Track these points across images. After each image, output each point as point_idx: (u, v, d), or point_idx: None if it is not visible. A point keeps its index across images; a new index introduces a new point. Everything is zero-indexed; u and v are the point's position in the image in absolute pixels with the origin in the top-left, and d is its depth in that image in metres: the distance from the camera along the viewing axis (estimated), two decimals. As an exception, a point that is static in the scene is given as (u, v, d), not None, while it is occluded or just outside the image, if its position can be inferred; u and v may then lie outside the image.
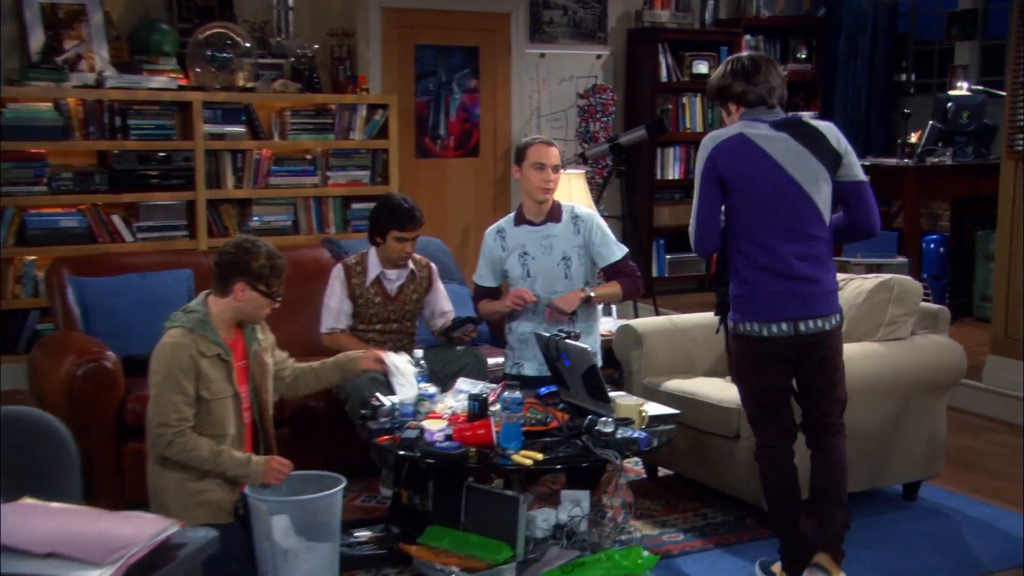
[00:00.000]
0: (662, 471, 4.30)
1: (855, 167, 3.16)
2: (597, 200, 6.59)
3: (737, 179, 3.07)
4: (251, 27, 5.94)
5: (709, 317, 3.69)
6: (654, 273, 7.49)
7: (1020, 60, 5.22)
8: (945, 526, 3.84)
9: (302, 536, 3.02)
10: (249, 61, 5.68)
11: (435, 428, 3.31)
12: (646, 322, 4.34)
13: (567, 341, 3.58)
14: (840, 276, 3.97)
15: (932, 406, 4.01)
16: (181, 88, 5.52)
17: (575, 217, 4.13)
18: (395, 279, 4.21)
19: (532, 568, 3.20)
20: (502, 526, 3.21)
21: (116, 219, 5.38)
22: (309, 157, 5.81)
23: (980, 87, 7.05)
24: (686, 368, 4.16)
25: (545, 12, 7.22)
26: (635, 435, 3.28)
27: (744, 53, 3.28)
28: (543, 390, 3.77)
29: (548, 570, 3.19)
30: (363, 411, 3.60)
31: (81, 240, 5.25)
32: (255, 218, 5.69)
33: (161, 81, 5.48)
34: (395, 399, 3.59)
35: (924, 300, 4.12)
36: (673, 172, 7.60)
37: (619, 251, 4.13)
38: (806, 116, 3.33)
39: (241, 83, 5.64)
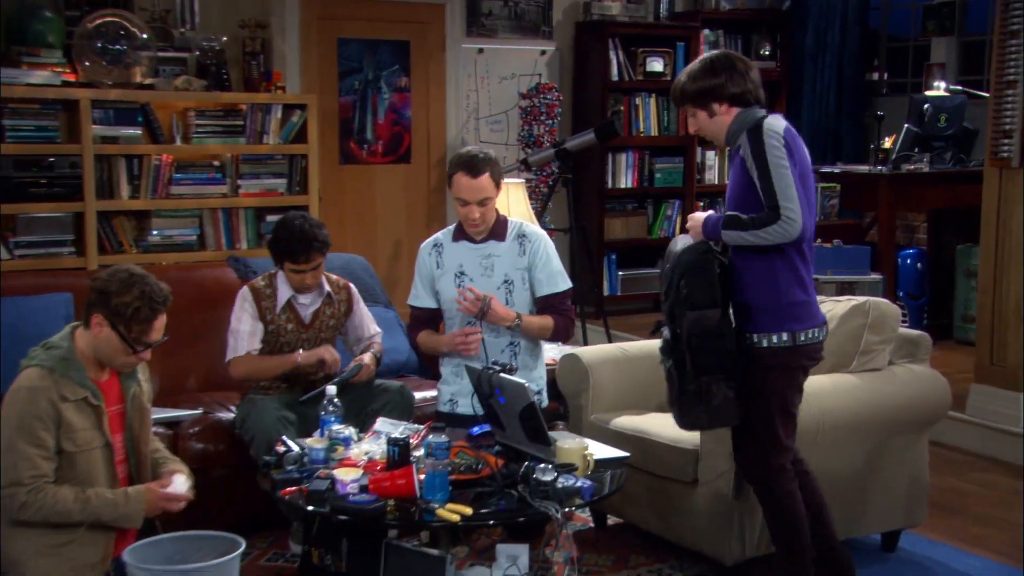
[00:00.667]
0: (612, 519, 4.21)
1: None
2: (541, 211, 6.62)
3: (804, 173, 3.23)
4: (150, 16, 5.86)
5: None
6: (605, 291, 7.44)
7: (1004, 57, 5.19)
8: (929, 581, 3.79)
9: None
10: (147, 54, 5.57)
11: (348, 478, 3.17)
12: (593, 351, 4.27)
13: (502, 375, 3.46)
14: None
15: (913, 445, 3.97)
16: (67, 84, 5.40)
17: (522, 236, 4.04)
18: (309, 303, 4.10)
19: (461, 638, 3.07)
20: (426, 589, 3.10)
21: (-11, 234, 5.23)
22: (216, 164, 5.71)
23: (959, 87, 7.11)
24: (639, 403, 4.10)
25: (484, 3, 7.24)
26: (578, 484, 3.17)
27: (716, 51, 3.41)
28: (476, 430, 3.66)
29: (479, 640, 3.05)
30: (267, 458, 3.45)
31: (-53, 258, 5.09)
32: (154, 232, 5.57)
33: (43, 76, 5.35)
34: (307, 442, 3.45)
35: (901, 324, 4.10)
36: (625, 180, 7.61)
37: (562, 283, 4.05)
38: None
39: (138, 79, 5.53)
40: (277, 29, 6.43)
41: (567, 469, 3.24)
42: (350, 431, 3.52)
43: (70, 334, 3.10)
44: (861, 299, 3.97)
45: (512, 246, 4.01)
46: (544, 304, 4.03)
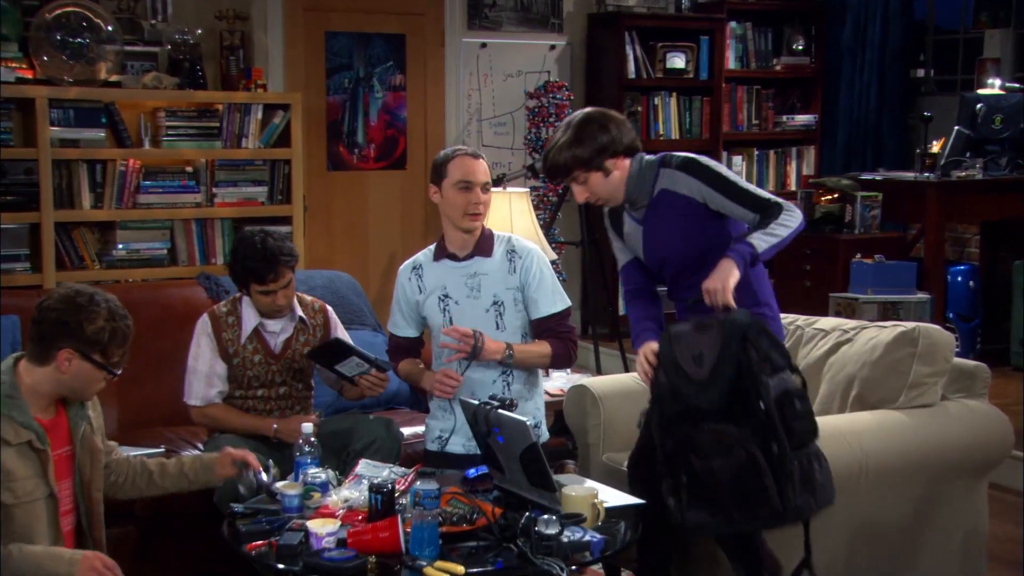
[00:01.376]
0: (626, 573, 4.08)
1: None
2: (550, 223, 6.62)
3: None
4: (116, 6, 5.89)
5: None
6: (620, 311, 7.27)
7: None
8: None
9: None
10: (113, 48, 5.58)
11: (324, 530, 3.08)
12: (605, 382, 4.23)
13: (500, 412, 3.37)
14: (848, 323, 4.13)
15: (970, 492, 3.89)
16: (22, 81, 5.42)
17: (511, 251, 3.95)
18: (279, 331, 4.04)
19: None
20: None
21: (-66, 248, 5.26)
22: (190, 170, 5.75)
23: (1016, 85, 7.03)
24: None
25: (487, -7, 7.27)
26: (587, 537, 3.11)
27: (582, 110, 3.55)
28: (472, 472, 3.57)
29: None
30: (233, 506, 3.36)
31: None
32: (120, 246, 5.60)
33: (-4, 72, 5.37)
34: (279, 487, 3.37)
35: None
36: None
37: (559, 303, 3.96)
38: None
39: (102, 76, 5.55)
40: (258, 21, 6.43)
41: (574, 520, 3.18)
42: (328, 475, 3.43)
43: (12, 368, 3.02)
44: (909, 325, 3.92)
45: (501, 263, 3.92)
46: (541, 327, 3.95)
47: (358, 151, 6.98)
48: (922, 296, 6.35)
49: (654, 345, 3.40)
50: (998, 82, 7.03)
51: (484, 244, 3.93)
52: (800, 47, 8.00)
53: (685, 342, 3.19)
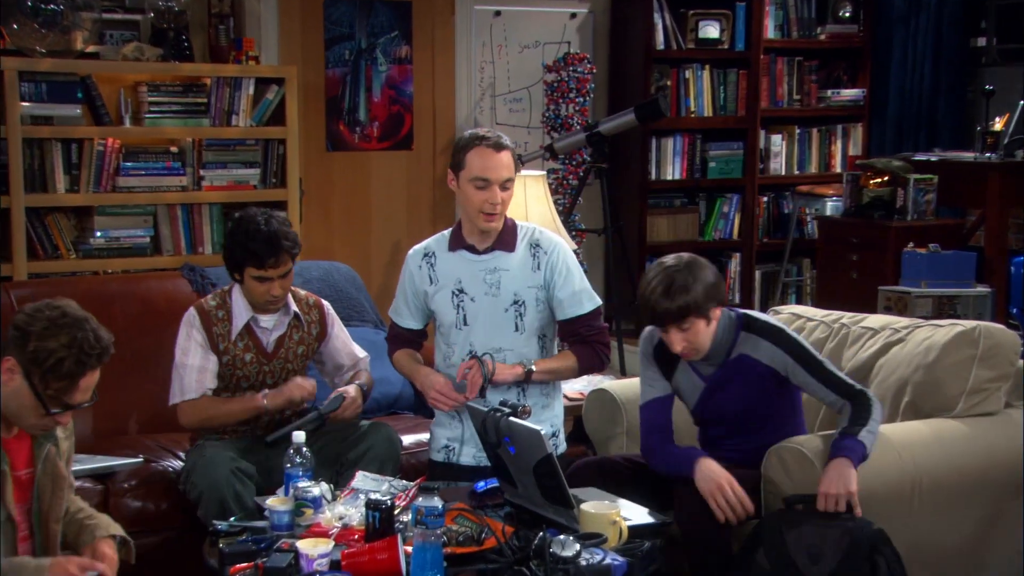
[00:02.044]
0: None
1: None
2: (570, 209, 6.57)
3: None
4: None
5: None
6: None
7: None
8: None
9: None
10: (90, 16, 5.53)
11: (315, 551, 3.08)
12: (628, 386, 4.23)
13: (512, 420, 3.40)
14: (900, 321, 4.14)
15: None
16: None
17: (535, 246, 3.95)
18: (272, 327, 4.07)
19: None
20: None
21: None
22: (175, 150, 5.73)
23: None
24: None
25: (502, -46, 7.26)
26: (607, 560, 3.12)
27: (677, 255, 3.63)
28: (480, 486, 3.62)
29: None
30: (217, 523, 3.38)
31: None
32: (98, 233, 5.57)
33: (-41, 42, 5.39)
34: (268, 502, 3.39)
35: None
36: (673, 170, 7.54)
37: (588, 303, 3.96)
38: None
39: (78, 46, 5.50)
40: (250, -13, 6.45)
41: (594, 540, 3.20)
42: (321, 488, 3.45)
43: None
44: (969, 324, 3.89)
45: (523, 258, 3.91)
46: (567, 330, 3.95)
47: (359, 130, 6.95)
48: (982, 290, 6.26)
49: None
50: (1068, 51, 7.02)
51: (506, 237, 3.92)
52: (847, 14, 7.89)
53: (800, 532, 3.29)
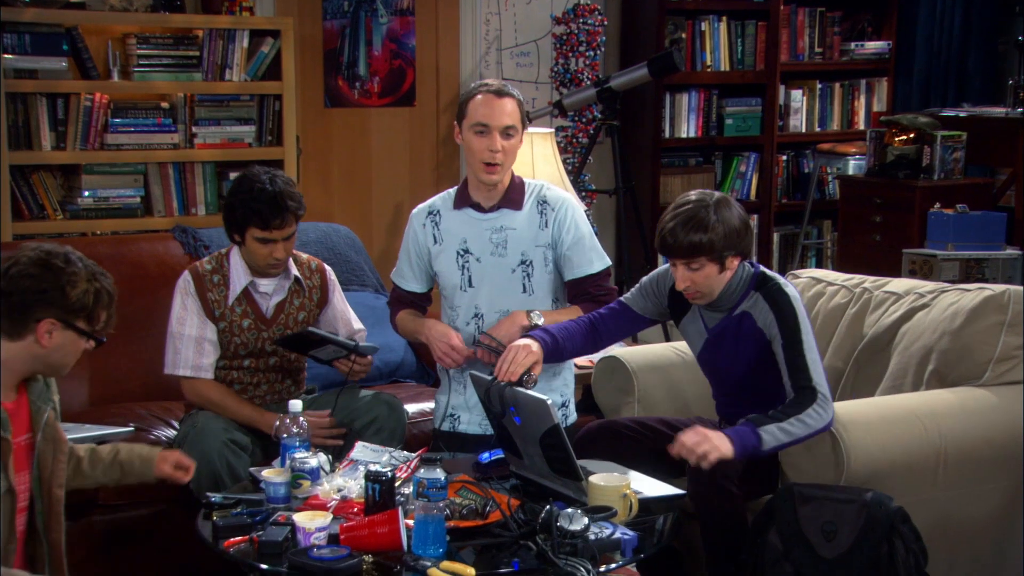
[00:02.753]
0: None
1: None
2: (580, 168, 6.57)
3: None
4: None
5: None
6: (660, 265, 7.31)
7: None
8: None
9: None
10: None
11: (313, 524, 3.11)
12: (639, 353, 4.28)
13: (517, 389, 3.44)
14: (925, 285, 4.14)
15: None
16: None
17: (543, 203, 3.96)
18: (272, 292, 4.07)
19: None
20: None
21: None
22: (165, 106, 5.72)
23: None
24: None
25: (509, -101, 7.22)
26: (617, 534, 3.14)
27: (704, 191, 3.61)
28: (485, 457, 3.64)
29: None
30: (210, 495, 3.39)
31: None
32: (85, 193, 5.57)
33: (-63, -6, 5.36)
34: (264, 473, 3.41)
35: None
36: (687, 128, 7.54)
37: (598, 262, 3.99)
38: None
39: None
40: (244, -67, 6.40)
41: (603, 514, 3.21)
42: (319, 459, 3.47)
43: None
44: (997, 288, 3.90)
45: (531, 216, 3.93)
46: (576, 289, 3.97)
47: (359, 85, 6.94)
48: (1012, 252, 6.29)
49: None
50: (1106, 1, 7.01)
51: (513, 194, 3.94)
52: (871, -38, 7.91)
53: (814, 507, 3.29)
